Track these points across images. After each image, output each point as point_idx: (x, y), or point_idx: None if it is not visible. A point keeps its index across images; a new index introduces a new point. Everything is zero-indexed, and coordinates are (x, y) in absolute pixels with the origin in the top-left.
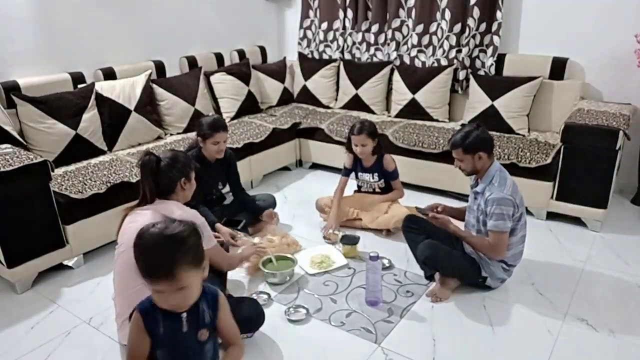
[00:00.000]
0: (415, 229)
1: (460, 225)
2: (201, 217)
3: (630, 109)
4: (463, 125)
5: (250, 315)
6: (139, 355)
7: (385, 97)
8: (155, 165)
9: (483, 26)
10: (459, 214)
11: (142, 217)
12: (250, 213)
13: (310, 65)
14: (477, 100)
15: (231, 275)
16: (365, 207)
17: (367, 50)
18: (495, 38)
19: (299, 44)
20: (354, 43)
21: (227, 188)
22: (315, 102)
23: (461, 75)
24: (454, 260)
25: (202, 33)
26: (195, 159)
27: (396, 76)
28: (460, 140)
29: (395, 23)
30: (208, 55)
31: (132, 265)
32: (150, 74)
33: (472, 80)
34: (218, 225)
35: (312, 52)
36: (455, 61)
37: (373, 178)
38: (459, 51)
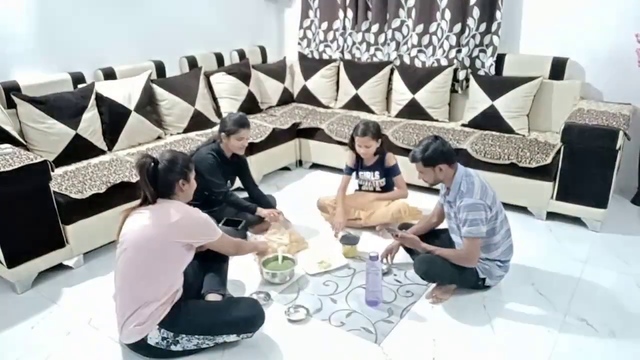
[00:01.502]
0: None
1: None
2: (204, 214)
3: (630, 109)
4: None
5: (250, 315)
6: None
7: (385, 97)
8: (152, 168)
9: (483, 26)
10: (430, 224)
11: (142, 216)
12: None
13: (310, 65)
14: (477, 100)
15: (231, 275)
16: (365, 206)
17: (367, 50)
18: (495, 38)
19: (299, 44)
20: (354, 43)
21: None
22: (315, 102)
23: (461, 75)
24: (450, 269)
25: (202, 33)
26: (215, 152)
27: (396, 76)
28: (419, 154)
29: (395, 23)
30: (208, 55)
31: (135, 264)
32: (150, 74)
33: (472, 80)
34: (259, 209)
35: (312, 52)
36: (455, 61)
37: (374, 176)
38: (459, 51)
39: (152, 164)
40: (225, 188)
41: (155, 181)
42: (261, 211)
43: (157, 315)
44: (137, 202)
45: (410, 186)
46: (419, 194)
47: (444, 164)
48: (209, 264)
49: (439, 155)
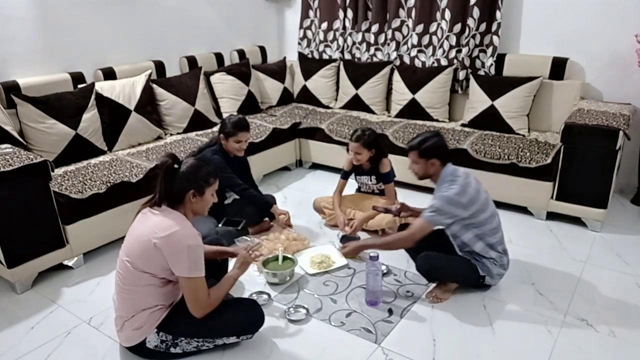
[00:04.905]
0: None
1: None
2: (194, 243)
3: (630, 109)
4: (464, 125)
5: (249, 318)
6: None
7: (385, 97)
8: (171, 169)
9: (483, 26)
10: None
11: (149, 221)
12: (262, 212)
13: (310, 65)
14: (477, 100)
15: None
16: (362, 207)
17: (367, 50)
18: (495, 38)
19: (299, 44)
20: (354, 43)
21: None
22: (315, 102)
23: (461, 75)
24: (451, 267)
25: (202, 33)
26: (218, 152)
27: (396, 76)
28: (417, 143)
29: (395, 23)
30: (208, 55)
31: (125, 273)
32: (150, 74)
33: (472, 80)
34: (275, 207)
35: (312, 52)
36: (455, 61)
37: (371, 180)
38: (459, 51)
39: (171, 165)
40: (240, 181)
41: (170, 184)
42: (276, 209)
43: (155, 318)
44: (149, 197)
45: (412, 187)
46: (418, 194)
47: (437, 160)
48: (209, 267)
49: (436, 150)
